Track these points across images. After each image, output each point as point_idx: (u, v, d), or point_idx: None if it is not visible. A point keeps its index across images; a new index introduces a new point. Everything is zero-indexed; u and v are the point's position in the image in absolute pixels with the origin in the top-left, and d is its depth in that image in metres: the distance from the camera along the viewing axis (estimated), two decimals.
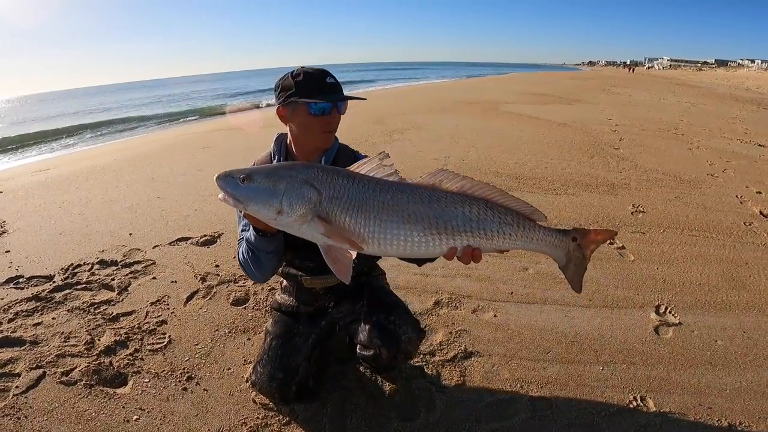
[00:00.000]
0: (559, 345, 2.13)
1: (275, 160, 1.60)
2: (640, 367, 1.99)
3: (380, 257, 1.82)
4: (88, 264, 2.87)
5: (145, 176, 5.08)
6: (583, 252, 1.29)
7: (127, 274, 2.75)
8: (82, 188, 4.67)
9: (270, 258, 1.48)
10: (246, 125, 9.59)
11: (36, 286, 2.62)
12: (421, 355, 2.02)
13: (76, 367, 1.95)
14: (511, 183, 4.60)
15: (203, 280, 2.68)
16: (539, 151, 6.05)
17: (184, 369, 1.96)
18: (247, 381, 1.86)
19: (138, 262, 2.90)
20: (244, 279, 2.64)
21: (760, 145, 6.91)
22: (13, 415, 1.71)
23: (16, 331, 2.18)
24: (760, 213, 3.90)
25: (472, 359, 2.02)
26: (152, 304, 2.44)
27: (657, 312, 2.41)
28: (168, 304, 2.44)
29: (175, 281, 2.68)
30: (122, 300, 2.48)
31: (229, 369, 1.97)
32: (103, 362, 1.98)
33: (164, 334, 2.19)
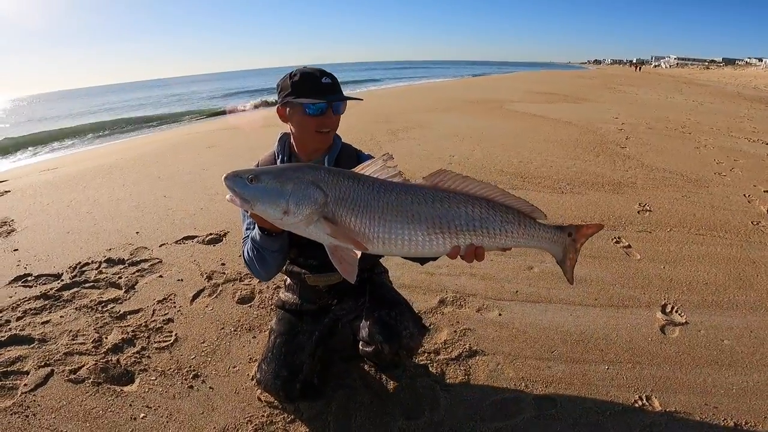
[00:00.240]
0: (564, 344, 2.13)
1: (279, 160, 1.61)
2: (646, 367, 1.98)
3: (383, 256, 1.84)
4: (95, 262, 2.89)
5: (152, 175, 5.11)
6: (575, 246, 1.34)
7: (134, 273, 2.77)
8: (89, 187, 4.70)
9: (275, 257, 1.49)
10: (248, 125, 9.62)
11: (44, 284, 2.65)
12: (426, 354, 2.02)
13: (83, 365, 1.97)
14: (516, 182, 4.59)
15: (209, 278, 2.70)
16: (544, 150, 6.02)
17: (190, 367, 1.97)
18: (252, 379, 1.87)
19: (145, 261, 2.92)
20: (250, 277, 2.66)
21: None
22: (22, 413, 1.73)
23: (24, 329, 2.21)
24: None
25: (477, 358, 2.02)
26: (159, 302, 2.46)
27: (663, 311, 2.40)
28: (174, 303, 2.46)
29: (182, 279, 2.70)
30: (129, 298, 2.50)
31: (234, 367, 1.98)
32: (111, 360, 2.00)
33: (171, 332, 2.21)
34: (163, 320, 2.30)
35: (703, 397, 1.82)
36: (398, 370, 1.88)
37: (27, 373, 1.93)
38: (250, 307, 2.42)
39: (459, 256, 1.23)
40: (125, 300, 2.48)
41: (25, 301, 2.45)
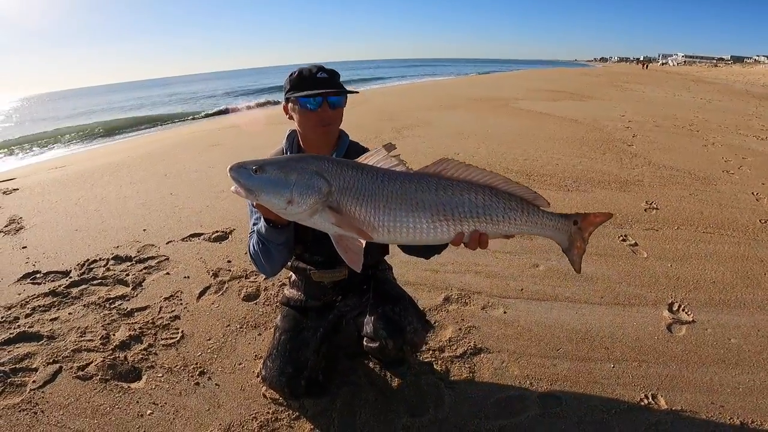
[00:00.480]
0: (569, 342, 2.12)
1: None
2: (652, 365, 1.97)
3: (387, 252, 1.85)
4: (103, 260, 2.92)
5: (158, 173, 5.14)
6: (582, 234, 1.34)
7: (141, 270, 2.79)
8: (96, 185, 4.74)
9: (280, 250, 1.49)
10: (251, 123, 9.65)
11: (53, 281, 2.68)
12: (430, 351, 2.02)
13: (91, 362, 1.98)
14: (521, 179, 4.56)
15: (215, 275, 2.71)
16: (550, 148, 6.00)
17: (196, 364, 1.99)
18: (257, 376, 1.88)
19: (152, 258, 2.95)
20: (256, 274, 2.67)
21: None
22: (30, 410, 1.75)
23: (33, 326, 2.23)
24: None
25: (482, 355, 2.02)
26: (166, 299, 2.48)
27: (670, 309, 2.39)
28: (181, 300, 2.48)
29: (188, 277, 2.71)
30: (137, 295, 2.52)
31: (240, 364, 1.99)
32: (118, 357, 2.02)
33: (177, 329, 2.23)
34: (170, 317, 2.31)
35: (710, 395, 1.81)
36: (403, 367, 1.89)
37: (36, 369, 1.95)
38: (256, 304, 2.43)
39: (463, 244, 1.23)
40: (132, 297, 2.50)
41: (33, 298, 2.47)
